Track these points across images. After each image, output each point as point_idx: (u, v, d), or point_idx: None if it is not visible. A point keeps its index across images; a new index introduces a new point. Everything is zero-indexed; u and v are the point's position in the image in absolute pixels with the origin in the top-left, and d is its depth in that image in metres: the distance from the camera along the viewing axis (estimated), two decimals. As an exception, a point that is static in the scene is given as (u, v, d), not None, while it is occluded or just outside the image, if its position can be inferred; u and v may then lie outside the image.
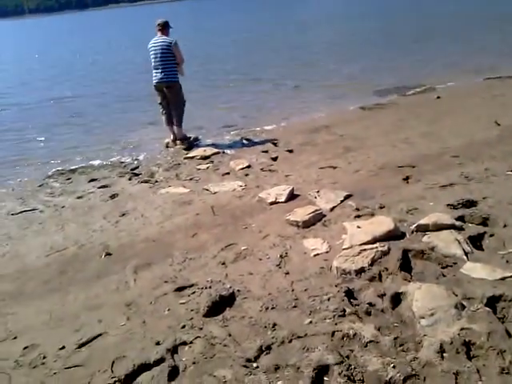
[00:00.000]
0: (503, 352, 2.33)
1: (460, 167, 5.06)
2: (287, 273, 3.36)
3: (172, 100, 7.30)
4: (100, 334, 2.92)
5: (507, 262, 3.07)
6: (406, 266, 3.21)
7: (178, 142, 7.50)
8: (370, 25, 23.39)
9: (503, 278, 2.87)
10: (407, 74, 11.56)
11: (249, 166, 6.14)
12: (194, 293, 3.23)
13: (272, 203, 4.75)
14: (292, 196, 4.86)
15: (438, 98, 8.85)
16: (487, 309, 2.60)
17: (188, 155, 6.94)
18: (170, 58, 7.09)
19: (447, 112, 7.71)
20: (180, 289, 3.32)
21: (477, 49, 13.71)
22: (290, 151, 6.70)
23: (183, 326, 2.87)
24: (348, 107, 9.09)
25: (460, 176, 4.76)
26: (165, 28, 7.15)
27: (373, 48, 16.30)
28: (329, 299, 2.91)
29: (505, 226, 3.57)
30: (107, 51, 25.18)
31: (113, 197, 5.57)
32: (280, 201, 4.76)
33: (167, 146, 7.53)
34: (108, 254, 4.08)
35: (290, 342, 2.58)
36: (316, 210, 4.29)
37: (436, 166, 5.22)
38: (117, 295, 3.40)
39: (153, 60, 7.10)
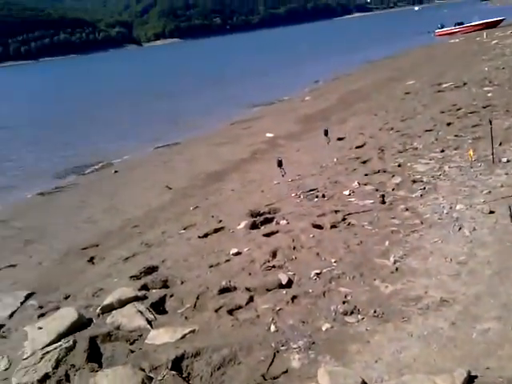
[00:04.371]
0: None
1: (140, 236, 5.29)
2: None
3: None
4: None
5: (186, 318, 3.30)
6: (95, 354, 3.07)
7: None
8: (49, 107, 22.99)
9: (183, 336, 3.04)
10: (83, 152, 11.63)
11: None
12: None
13: None
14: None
15: (116, 172, 9.18)
16: (172, 372, 2.69)
17: None
18: None
19: (126, 184, 8.09)
20: None
21: (145, 121, 15.07)
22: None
23: None
24: (26, 195, 8.46)
25: (141, 245, 4.97)
26: None
27: (44, 130, 16.00)
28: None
29: (182, 282, 3.85)
30: None
31: None
32: None
33: None
34: None
35: None
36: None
37: (119, 239, 5.33)
38: None
39: None
